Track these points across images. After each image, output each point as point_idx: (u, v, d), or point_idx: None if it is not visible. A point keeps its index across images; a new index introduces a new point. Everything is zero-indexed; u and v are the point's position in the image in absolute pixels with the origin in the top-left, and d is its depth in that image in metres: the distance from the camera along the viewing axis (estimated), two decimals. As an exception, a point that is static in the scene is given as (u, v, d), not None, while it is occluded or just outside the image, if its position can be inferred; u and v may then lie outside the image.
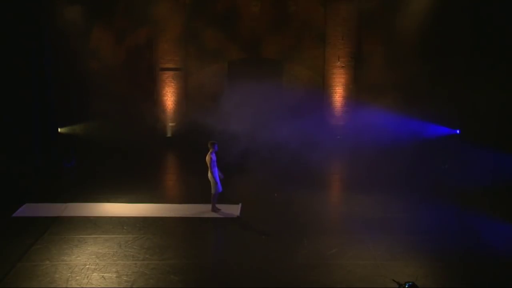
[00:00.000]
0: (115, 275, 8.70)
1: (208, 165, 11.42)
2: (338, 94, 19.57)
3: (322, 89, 19.81)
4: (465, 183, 13.88)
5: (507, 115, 16.31)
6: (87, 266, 9.01)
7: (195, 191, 13.46)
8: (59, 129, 18.15)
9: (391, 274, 8.59)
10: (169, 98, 19.56)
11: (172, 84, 19.51)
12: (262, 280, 8.66)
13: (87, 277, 8.63)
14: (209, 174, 11.48)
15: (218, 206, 11.80)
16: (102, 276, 8.66)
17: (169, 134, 19.61)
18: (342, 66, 19.36)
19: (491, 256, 9.55)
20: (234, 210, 11.91)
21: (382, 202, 12.49)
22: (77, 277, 8.60)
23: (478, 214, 11.62)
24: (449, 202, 12.42)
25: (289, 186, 13.77)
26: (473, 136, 17.16)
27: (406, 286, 7.55)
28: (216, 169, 11.48)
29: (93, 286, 8.37)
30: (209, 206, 11.81)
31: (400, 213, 11.77)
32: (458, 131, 18.84)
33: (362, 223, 11.14)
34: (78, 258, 9.31)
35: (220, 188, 11.56)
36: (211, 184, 11.54)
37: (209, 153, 11.41)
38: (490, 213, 11.69)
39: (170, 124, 19.59)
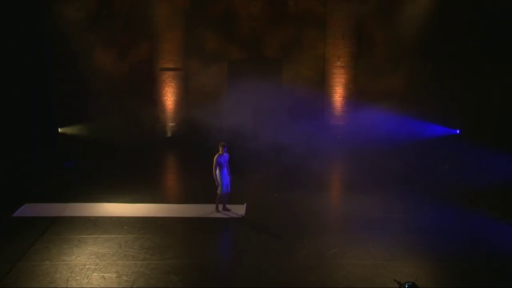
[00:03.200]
0: (115, 275, 8.70)
1: (213, 165, 11.43)
2: (338, 94, 19.58)
3: (322, 89, 19.81)
4: (465, 183, 13.88)
5: (507, 115, 16.35)
6: (87, 266, 9.01)
7: (194, 191, 13.48)
8: (59, 129, 18.15)
9: (391, 274, 8.60)
10: (169, 98, 19.56)
11: (172, 84, 19.50)
12: (262, 280, 8.65)
13: (87, 277, 8.63)
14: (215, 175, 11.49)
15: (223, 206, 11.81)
16: (102, 276, 8.66)
17: (169, 134, 19.61)
18: (342, 66, 19.36)
19: (491, 256, 9.55)
20: (238, 210, 11.87)
21: (382, 202, 12.48)
22: (77, 277, 8.60)
23: (478, 214, 11.61)
24: (449, 202, 12.41)
25: (289, 186, 13.76)
26: (473, 136, 17.20)
27: (406, 286, 7.56)
28: (224, 169, 11.44)
29: (93, 286, 8.37)
30: (211, 206, 11.82)
31: (400, 213, 11.76)
32: (458, 131, 18.86)
33: (362, 223, 11.13)
34: (78, 258, 9.31)
35: (225, 189, 11.53)
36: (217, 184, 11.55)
37: (217, 154, 11.43)
38: (489, 213, 11.68)
39: (170, 124, 19.60)
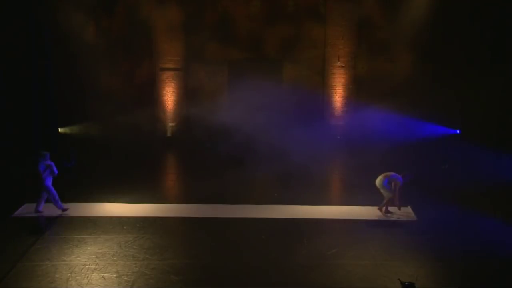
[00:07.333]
0: (115, 275, 8.70)
1: (395, 188, 11.50)
2: (338, 94, 19.57)
3: (322, 89, 19.81)
4: (465, 183, 13.87)
5: (507, 115, 16.33)
6: (87, 266, 9.01)
7: (194, 191, 13.48)
8: (59, 129, 18.13)
9: (391, 274, 8.60)
10: (169, 98, 19.56)
11: (172, 84, 19.51)
12: (262, 280, 8.65)
13: (87, 277, 8.63)
14: (384, 186, 11.59)
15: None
16: (102, 276, 8.66)
17: (169, 134, 19.61)
18: (342, 66, 19.35)
19: (491, 256, 9.55)
20: (407, 213, 11.82)
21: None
22: (77, 277, 8.61)
23: (478, 214, 11.61)
24: (449, 202, 12.40)
25: (289, 186, 13.76)
26: (473, 136, 17.18)
27: (406, 284, 7.57)
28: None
29: (93, 286, 8.37)
30: (212, 207, 11.81)
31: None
32: (458, 131, 18.86)
33: (362, 223, 11.13)
34: (78, 258, 9.31)
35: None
36: (384, 194, 11.61)
37: (397, 179, 11.56)
38: (490, 213, 11.67)
39: (170, 124, 19.59)
